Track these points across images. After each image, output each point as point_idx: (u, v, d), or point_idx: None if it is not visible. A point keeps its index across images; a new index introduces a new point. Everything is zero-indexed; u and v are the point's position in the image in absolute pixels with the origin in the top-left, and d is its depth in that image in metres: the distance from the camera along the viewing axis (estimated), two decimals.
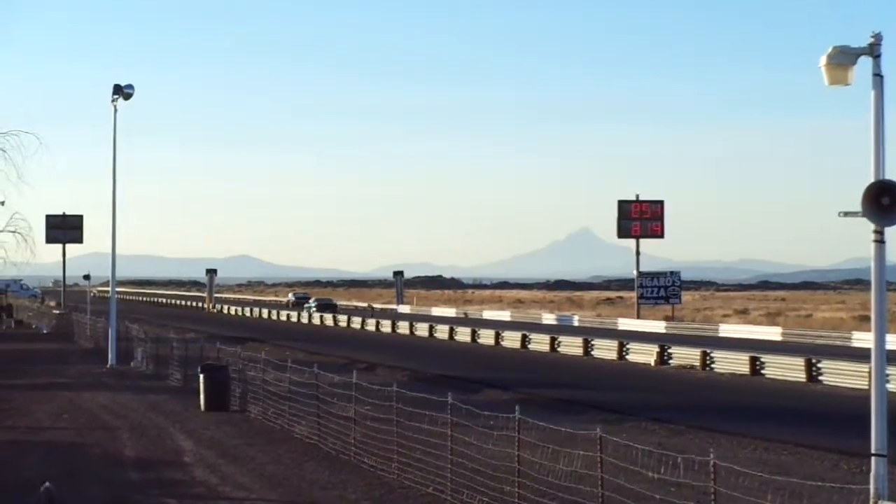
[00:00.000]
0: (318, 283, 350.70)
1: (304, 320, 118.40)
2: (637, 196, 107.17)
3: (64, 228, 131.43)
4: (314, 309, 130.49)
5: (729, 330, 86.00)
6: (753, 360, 53.48)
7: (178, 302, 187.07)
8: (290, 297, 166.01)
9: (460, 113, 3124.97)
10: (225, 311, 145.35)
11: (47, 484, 19.60)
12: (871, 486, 16.11)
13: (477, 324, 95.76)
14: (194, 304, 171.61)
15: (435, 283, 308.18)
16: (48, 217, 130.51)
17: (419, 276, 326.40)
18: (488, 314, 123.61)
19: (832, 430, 33.65)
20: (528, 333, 75.73)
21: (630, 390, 47.36)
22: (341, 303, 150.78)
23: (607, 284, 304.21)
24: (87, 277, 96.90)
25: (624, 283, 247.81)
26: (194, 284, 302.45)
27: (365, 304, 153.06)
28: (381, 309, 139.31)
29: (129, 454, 30.19)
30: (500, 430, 23.55)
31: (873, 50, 16.67)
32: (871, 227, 16.32)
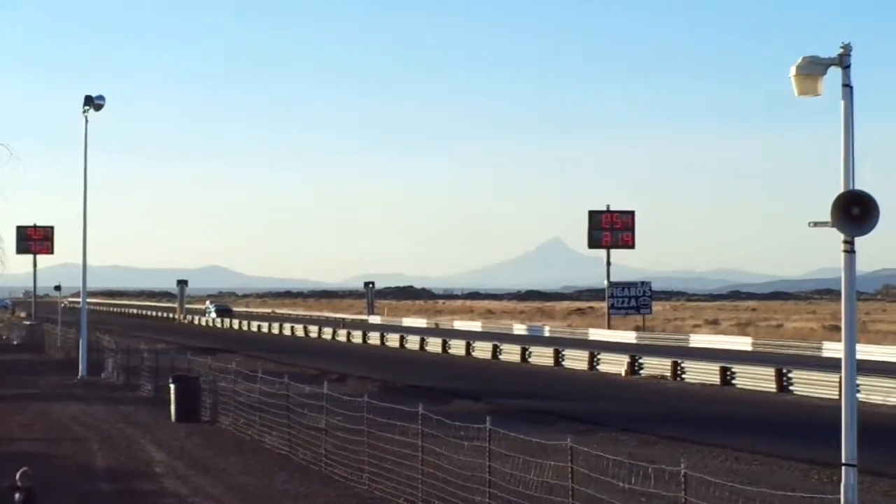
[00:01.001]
0: (288, 294, 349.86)
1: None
2: (608, 206, 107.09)
3: (35, 239, 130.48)
4: (213, 314, 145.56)
5: (700, 340, 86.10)
6: (724, 371, 53.60)
7: (149, 313, 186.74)
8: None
9: (433, 123, 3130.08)
10: (196, 322, 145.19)
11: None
12: (842, 496, 16.15)
13: (448, 334, 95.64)
14: (165, 314, 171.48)
15: (406, 294, 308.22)
16: (19, 228, 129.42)
17: (390, 287, 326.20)
18: (459, 325, 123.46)
19: (803, 440, 33.78)
20: (498, 344, 75.70)
21: (601, 400, 47.39)
22: (314, 314, 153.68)
23: (578, 295, 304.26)
24: (58, 288, 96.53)
25: (595, 294, 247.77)
26: (165, 295, 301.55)
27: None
28: (351, 320, 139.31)
29: (99, 465, 30.08)
30: (470, 440, 23.54)
31: (843, 60, 16.69)
32: (841, 237, 16.36)
